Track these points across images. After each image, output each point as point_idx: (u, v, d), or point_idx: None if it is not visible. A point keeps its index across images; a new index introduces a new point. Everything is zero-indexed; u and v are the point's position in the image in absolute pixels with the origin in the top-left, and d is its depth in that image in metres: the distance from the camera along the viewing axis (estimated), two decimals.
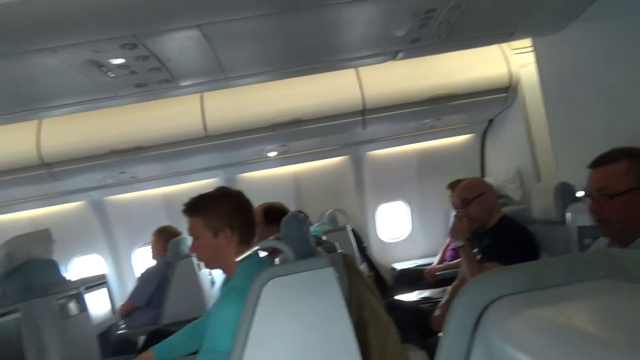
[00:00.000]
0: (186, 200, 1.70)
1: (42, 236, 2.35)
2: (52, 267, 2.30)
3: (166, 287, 3.14)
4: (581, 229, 2.12)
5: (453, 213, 4.03)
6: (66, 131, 3.40)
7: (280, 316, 1.31)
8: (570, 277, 0.65)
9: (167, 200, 4.31)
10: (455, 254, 3.70)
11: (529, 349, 0.50)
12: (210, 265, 1.77)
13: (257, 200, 2.84)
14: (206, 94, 3.50)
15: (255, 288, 1.27)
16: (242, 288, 1.49)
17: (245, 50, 2.15)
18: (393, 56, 2.45)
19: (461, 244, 2.42)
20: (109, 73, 2.10)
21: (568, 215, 2.21)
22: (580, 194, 2.21)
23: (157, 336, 2.42)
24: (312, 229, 3.57)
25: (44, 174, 3.45)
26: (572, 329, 0.51)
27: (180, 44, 1.94)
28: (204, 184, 4.44)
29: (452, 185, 3.64)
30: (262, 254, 1.71)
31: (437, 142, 4.57)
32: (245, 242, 1.67)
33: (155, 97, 2.66)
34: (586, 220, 1.91)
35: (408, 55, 2.46)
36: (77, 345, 2.12)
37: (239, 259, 1.53)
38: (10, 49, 1.78)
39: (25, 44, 1.74)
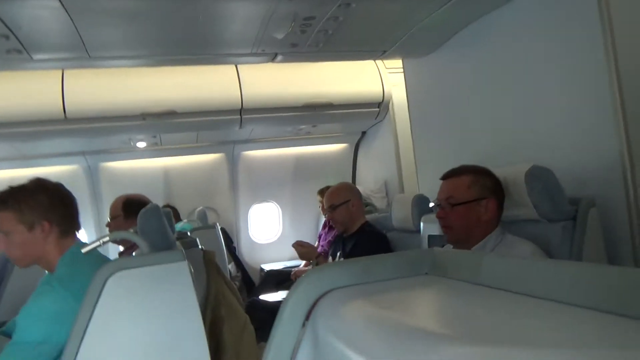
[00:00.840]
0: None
1: None
2: None
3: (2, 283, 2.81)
4: (431, 237, 2.31)
5: (322, 218, 4.18)
6: None
7: (126, 310, 1.24)
8: (397, 272, 0.70)
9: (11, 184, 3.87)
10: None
11: (348, 337, 0.53)
12: (25, 263, 1.62)
13: (122, 192, 2.68)
14: (68, 73, 3.22)
15: (97, 280, 1.19)
16: (64, 277, 1.46)
17: (112, 29, 2.00)
18: (272, 58, 2.47)
19: (315, 263, 2.57)
20: None
21: (422, 224, 2.39)
22: (431, 204, 2.43)
23: None
24: (180, 225, 3.45)
25: None
26: (391, 319, 0.55)
27: (34, 12, 1.76)
28: (61, 170, 4.08)
29: (322, 191, 3.77)
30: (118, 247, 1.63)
31: (313, 148, 4.71)
32: (67, 235, 1.60)
33: (5, 67, 2.39)
34: (436, 229, 2.10)
35: (287, 59, 2.50)
36: None
37: (85, 250, 1.43)
38: None
39: None
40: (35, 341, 1.38)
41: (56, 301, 1.41)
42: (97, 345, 1.18)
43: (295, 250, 2.65)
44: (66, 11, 1.77)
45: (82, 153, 3.92)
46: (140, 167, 4.35)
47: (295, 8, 1.96)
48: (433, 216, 1.91)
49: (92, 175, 4.15)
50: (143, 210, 1.69)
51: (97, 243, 1.38)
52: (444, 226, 1.72)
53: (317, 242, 4.14)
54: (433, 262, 0.71)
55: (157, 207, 1.67)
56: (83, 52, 2.17)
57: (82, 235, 4.19)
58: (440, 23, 2.29)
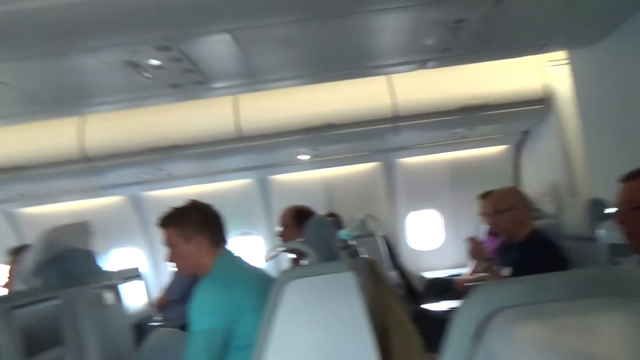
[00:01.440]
0: (218, 198, 1.91)
1: (81, 227, 2.47)
2: (90, 258, 2.42)
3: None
4: (614, 246, 2.09)
5: (483, 225, 4.01)
6: (108, 128, 3.55)
7: (300, 318, 1.35)
8: (573, 292, 0.66)
9: (200, 199, 4.43)
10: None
11: None
12: (186, 271, 1.99)
13: (289, 203, 2.92)
14: (241, 96, 3.60)
15: (277, 287, 1.32)
16: (215, 275, 1.79)
17: (275, 55, 2.22)
18: (423, 65, 2.47)
19: (485, 265, 2.43)
20: (145, 73, 2.21)
21: (600, 231, 2.17)
22: (610, 210, 2.18)
23: None
24: (341, 233, 3.60)
25: (85, 168, 3.61)
26: (573, 347, 0.53)
27: (211, 47, 2.03)
28: (237, 184, 4.55)
29: (483, 196, 3.61)
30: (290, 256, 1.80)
31: (471, 152, 4.54)
32: (217, 246, 1.91)
33: (189, 97, 2.77)
34: (616, 237, 1.89)
35: (439, 65, 2.47)
36: (112, 334, 2.22)
37: (266, 258, 1.63)
38: (54, 48, 1.92)
39: (67, 43, 1.88)
40: (204, 330, 1.68)
41: (206, 293, 1.72)
42: (280, 348, 1.30)
43: (468, 245, 2.56)
44: (237, 43, 2.00)
45: (254, 168, 4.33)
46: (304, 179, 4.64)
47: (444, 13, 1.95)
48: (613, 223, 1.73)
49: (263, 187, 4.56)
50: (310, 221, 1.82)
51: (274, 253, 1.54)
52: (628, 233, 1.55)
53: None
54: (616, 282, 0.66)
55: (322, 218, 1.80)
56: (251, 77, 2.43)
57: (255, 241, 4.63)
58: (609, 8, 2.06)
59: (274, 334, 1.34)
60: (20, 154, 3.50)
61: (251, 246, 4.68)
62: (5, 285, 2.59)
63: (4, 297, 1.85)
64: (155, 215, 2.00)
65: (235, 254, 1.98)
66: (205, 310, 1.71)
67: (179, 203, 1.98)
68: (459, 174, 4.56)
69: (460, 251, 4.67)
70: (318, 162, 4.47)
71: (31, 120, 3.12)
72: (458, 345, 0.66)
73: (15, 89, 2.25)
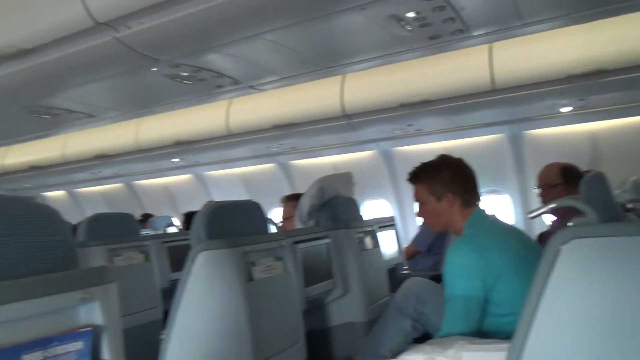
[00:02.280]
0: (466, 154, 1.89)
1: (345, 178, 2.73)
2: (353, 205, 2.66)
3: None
4: None
5: None
6: (364, 86, 3.76)
7: (579, 284, 1.22)
8: None
9: (450, 154, 4.42)
10: None
11: None
12: (437, 229, 1.95)
13: (544, 160, 2.67)
14: (495, 45, 3.37)
15: (551, 248, 1.21)
16: (467, 237, 1.73)
17: None
18: None
19: None
20: (406, 26, 2.23)
21: None
22: None
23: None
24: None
25: (345, 124, 3.93)
26: None
27: None
28: (485, 139, 4.36)
29: None
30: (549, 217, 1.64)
31: None
32: (468, 204, 1.83)
33: (446, 48, 2.70)
34: None
35: None
36: (371, 275, 2.43)
37: (531, 215, 1.51)
38: (321, 11, 2.06)
39: (337, 4, 1.98)
40: (460, 296, 1.64)
41: (462, 257, 1.66)
42: (551, 317, 1.20)
43: None
44: None
45: (507, 122, 4.07)
46: (562, 134, 4.18)
47: None
48: None
49: (515, 143, 4.28)
50: (587, 177, 1.62)
51: (544, 209, 1.42)
52: None
53: None
54: None
55: (602, 174, 1.58)
56: (515, 20, 2.23)
57: (504, 200, 4.42)
58: None
59: (545, 301, 1.24)
60: (292, 112, 3.99)
61: (499, 205, 4.48)
62: (281, 227, 3.04)
63: (289, 233, 2.18)
64: (404, 169, 2.03)
65: (489, 213, 1.88)
66: (460, 275, 1.67)
67: (425, 159, 1.94)
68: None
69: None
70: (581, 115, 3.94)
71: (302, 81, 3.52)
72: None
73: (291, 52, 2.55)
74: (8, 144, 4.76)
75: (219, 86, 2.92)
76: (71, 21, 2.11)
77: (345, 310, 2.34)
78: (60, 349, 0.74)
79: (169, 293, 2.35)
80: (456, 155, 1.93)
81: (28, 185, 6.71)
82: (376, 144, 4.69)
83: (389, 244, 2.94)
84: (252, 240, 1.71)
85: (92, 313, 0.81)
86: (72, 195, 7.29)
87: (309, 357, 1.89)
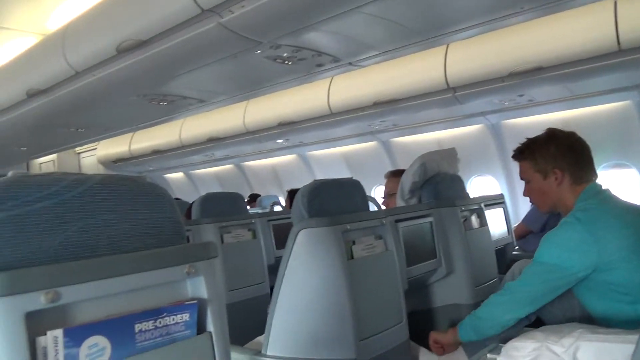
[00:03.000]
0: (583, 125, 1.68)
1: (449, 154, 2.61)
2: (458, 182, 2.54)
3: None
4: None
5: None
6: (469, 55, 3.56)
7: None
8: None
9: (566, 126, 4.06)
10: None
11: None
12: (545, 208, 1.82)
13: None
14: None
15: None
16: (578, 213, 1.59)
17: None
18: None
19: None
20: None
21: None
22: None
23: None
24: None
25: (449, 97, 3.75)
26: None
27: None
28: (609, 107, 3.94)
29: None
30: None
31: None
32: (580, 181, 1.69)
33: (561, 7, 2.45)
34: None
35: None
36: (478, 256, 2.32)
37: None
38: None
39: None
40: (549, 263, 1.58)
41: (568, 231, 1.57)
42: None
43: None
44: None
45: (635, 87, 3.63)
46: None
47: None
48: None
49: None
50: None
51: None
52: None
53: None
54: None
55: None
56: None
57: (631, 175, 3.98)
58: None
59: None
60: (393, 88, 3.89)
61: (624, 181, 4.05)
62: (383, 203, 3.00)
63: (390, 211, 2.14)
64: (514, 144, 1.91)
65: (604, 189, 1.72)
66: (558, 244, 1.59)
67: (538, 132, 1.80)
68: None
69: None
70: None
71: (402, 55, 3.41)
72: None
73: (391, 24, 2.47)
74: (132, 131, 5.21)
75: (319, 65, 2.93)
76: (180, 10, 2.23)
77: (450, 291, 2.26)
78: (169, 320, 0.79)
79: (275, 269, 2.45)
80: (574, 126, 1.77)
81: (151, 168, 7.34)
82: (484, 117, 4.44)
83: (497, 223, 2.78)
84: (352, 219, 1.71)
85: (198, 286, 0.85)
86: (189, 176, 7.85)
87: (411, 338, 1.86)
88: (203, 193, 2.93)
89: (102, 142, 6.53)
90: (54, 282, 0.67)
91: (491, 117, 4.42)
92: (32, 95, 3.38)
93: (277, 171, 6.77)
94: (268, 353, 1.68)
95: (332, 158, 5.96)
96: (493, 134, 4.60)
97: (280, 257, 1.71)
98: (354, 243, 1.68)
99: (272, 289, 1.88)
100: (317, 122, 4.43)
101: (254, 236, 2.74)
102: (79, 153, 7.32)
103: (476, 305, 2.14)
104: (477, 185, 4.94)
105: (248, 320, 2.50)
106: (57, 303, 0.67)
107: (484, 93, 3.67)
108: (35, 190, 0.72)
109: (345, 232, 1.65)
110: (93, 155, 7.00)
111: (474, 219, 2.42)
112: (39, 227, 0.71)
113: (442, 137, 4.85)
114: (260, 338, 1.87)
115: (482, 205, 2.52)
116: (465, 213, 2.36)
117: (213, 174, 7.56)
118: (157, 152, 6.10)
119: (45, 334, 0.65)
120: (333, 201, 1.75)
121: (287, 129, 4.71)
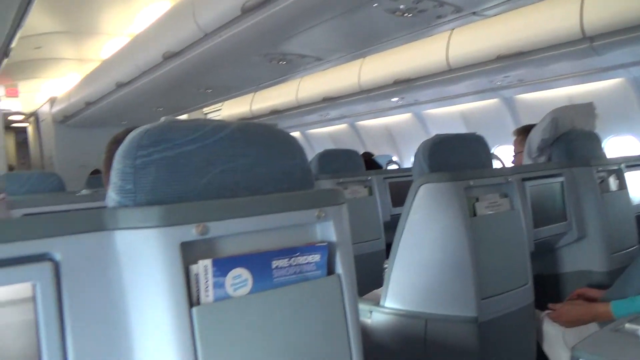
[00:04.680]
0: None
1: (585, 109, 2.37)
2: (594, 140, 2.32)
3: None
4: None
5: None
6: (609, 1, 3.16)
7: None
8: None
9: None
10: None
11: None
12: None
13: None
14: None
15: None
16: None
17: None
18: None
19: None
20: None
21: None
22: None
23: None
24: None
25: (585, 48, 3.39)
26: None
27: None
28: None
29: None
30: None
31: None
32: None
33: None
34: None
35: None
36: (615, 221, 2.12)
37: None
38: None
39: None
40: None
41: None
42: None
43: None
44: None
45: None
46: None
47: None
48: None
49: None
50: None
51: None
52: None
53: None
54: None
55: None
56: None
57: None
58: None
59: None
60: (520, 40, 3.60)
61: None
62: (512, 162, 2.83)
63: (517, 169, 2.02)
64: None
65: None
66: None
67: None
68: None
69: None
70: None
71: (532, 1, 3.14)
72: None
73: None
74: (253, 91, 5.44)
75: (440, 16, 2.79)
76: None
77: (581, 256, 2.10)
78: (302, 259, 0.83)
79: (391, 226, 2.45)
80: None
81: None
82: (626, 70, 3.96)
83: (638, 187, 2.50)
84: (475, 175, 1.64)
85: (327, 230, 0.88)
86: (305, 136, 8.07)
87: (536, 303, 1.77)
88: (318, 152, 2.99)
89: (226, 102, 6.92)
90: (203, 216, 0.73)
91: (634, 69, 3.93)
92: (167, 57, 3.66)
93: (391, 130, 6.69)
94: (386, 305, 1.71)
95: (449, 117, 5.74)
96: (636, 88, 4.09)
97: (397, 214, 1.71)
98: (477, 200, 1.62)
99: (388, 245, 1.89)
100: (435, 79, 4.26)
101: (370, 193, 2.76)
102: (206, 114, 7.83)
103: (611, 273, 1.98)
104: (613, 147, 4.47)
105: (363, 276, 2.55)
106: (206, 236, 0.73)
107: (628, 42, 3.26)
108: (184, 134, 0.79)
109: (468, 188, 1.59)
110: (218, 116, 7.45)
111: (611, 181, 2.20)
112: (188, 167, 0.78)
113: (573, 92, 4.43)
114: (377, 291, 1.90)
115: (622, 166, 2.28)
116: (602, 174, 2.16)
117: (327, 134, 7.68)
118: (275, 112, 6.33)
119: (197, 263, 0.72)
120: (455, 156, 1.69)
121: (403, 87, 4.60)
